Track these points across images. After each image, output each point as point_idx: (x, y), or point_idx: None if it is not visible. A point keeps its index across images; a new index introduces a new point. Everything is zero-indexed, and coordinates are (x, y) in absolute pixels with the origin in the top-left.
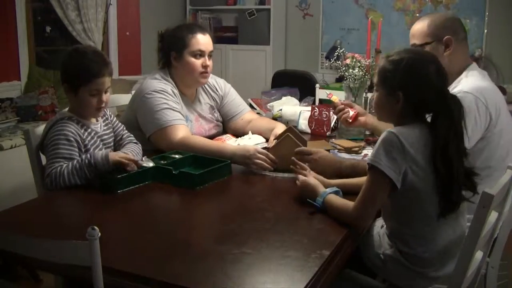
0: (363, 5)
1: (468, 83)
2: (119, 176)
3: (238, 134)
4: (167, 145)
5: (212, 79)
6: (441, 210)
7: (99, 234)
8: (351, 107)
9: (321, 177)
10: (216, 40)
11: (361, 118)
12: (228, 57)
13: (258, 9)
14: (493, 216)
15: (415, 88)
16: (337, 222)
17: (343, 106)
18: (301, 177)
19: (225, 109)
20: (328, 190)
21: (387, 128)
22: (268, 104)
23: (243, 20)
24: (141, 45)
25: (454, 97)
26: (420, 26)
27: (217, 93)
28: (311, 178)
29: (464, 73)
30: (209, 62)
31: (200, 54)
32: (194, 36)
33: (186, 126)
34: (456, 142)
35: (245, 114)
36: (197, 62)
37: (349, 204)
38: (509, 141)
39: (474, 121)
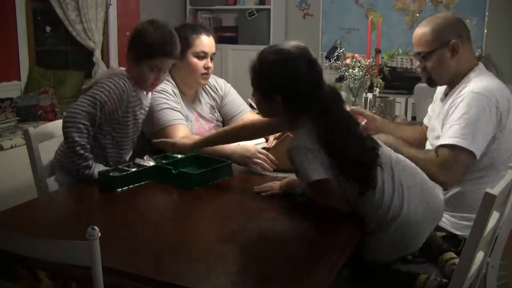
0: (363, 5)
1: (478, 83)
2: (118, 175)
3: None
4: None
5: (213, 79)
6: (359, 191)
7: (99, 234)
8: (361, 114)
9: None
10: (216, 40)
11: (372, 126)
12: (228, 57)
13: (258, 9)
14: (494, 216)
15: (288, 88)
16: (337, 222)
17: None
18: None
19: (225, 109)
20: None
21: (390, 132)
22: None
23: (243, 20)
24: None
25: (330, 87)
26: (423, 33)
27: (218, 93)
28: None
29: (472, 74)
30: (211, 64)
31: (203, 55)
32: (198, 36)
33: (187, 126)
34: (337, 127)
35: (245, 114)
36: (200, 63)
37: None
38: None
39: (486, 122)
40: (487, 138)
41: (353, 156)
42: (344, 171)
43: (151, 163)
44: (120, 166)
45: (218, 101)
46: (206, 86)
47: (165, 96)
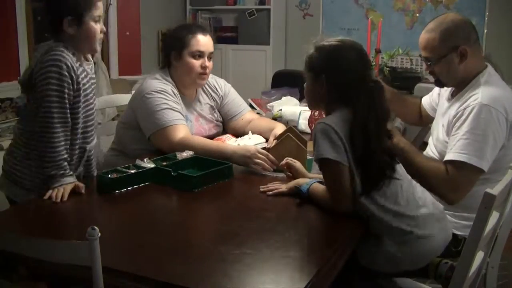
0: (363, 5)
1: (487, 93)
2: (116, 176)
3: (238, 134)
4: (167, 145)
5: (212, 79)
6: (363, 187)
7: (99, 234)
8: None
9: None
10: (216, 40)
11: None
12: (228, 57)
13: (258, 9)
14: (494, 216)
15: (336, 71)
16: (337, 222)
17: None
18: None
19: (225, 109)
20: (314, 180)
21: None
22: (268, 104)
23: (243, 20)
24: (141, 45)
25: (376, 81)
26: (431, 38)
27: (217, 93)
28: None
29: (481, 79)
30: (208, 63)
31: (199, 54)
32: (194, 36)
33: (186, 126)
34: (376, 121)
35: (245, 114)
36: (196, 63)
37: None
38: None
39: (495, 135)
40: (496, 152)
41: (373, 155)
42: (358, 163)
43: (151, 165)
44: (119, 168)
45: (218, 101)
46: (206, 86)
47: (165, 96)
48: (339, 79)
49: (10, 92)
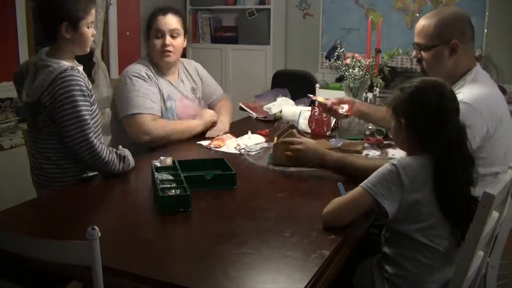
0: (363, 5)
1: (470, 92)
2: (180, 194)
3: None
4: (140, 133)
5: (192, 63)
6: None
7: (99, 234)
8: (342, 103)
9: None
10: (216, 40)
11: (354, 108)
12: (228, 57)
13: (258, 9)
14: (494, 216)
15: (415, 117)
16: None
17: (331, 105)
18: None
19: (203, 92)
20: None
21: (378, 115)
22: (265, 106)
23: (243, 20)
24: (141, 45)
25: (459, 127)
26: (426, 25)
27: (198, 75)
28: None
29: (468, 78)
30: (170, 41)
31: (160, 35)
32: (155, 17)
33: (156, 115)
34: (456, 168)
35: (221, 99)
36: (157, 42)
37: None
38: (508, 146)
39: (472, 134)
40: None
41: (462, 201)
42: (450, 213)
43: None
44: (159, 182)
45: (199, 85)
46: (187, 68)
47: (139, 82)
48: (418, 125)
49: (10, 92)
